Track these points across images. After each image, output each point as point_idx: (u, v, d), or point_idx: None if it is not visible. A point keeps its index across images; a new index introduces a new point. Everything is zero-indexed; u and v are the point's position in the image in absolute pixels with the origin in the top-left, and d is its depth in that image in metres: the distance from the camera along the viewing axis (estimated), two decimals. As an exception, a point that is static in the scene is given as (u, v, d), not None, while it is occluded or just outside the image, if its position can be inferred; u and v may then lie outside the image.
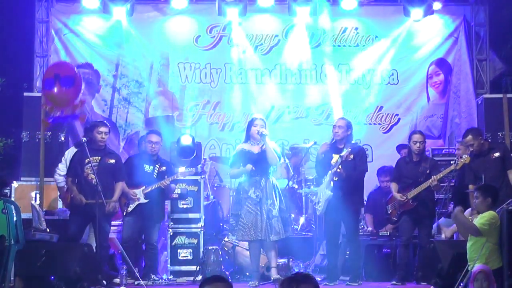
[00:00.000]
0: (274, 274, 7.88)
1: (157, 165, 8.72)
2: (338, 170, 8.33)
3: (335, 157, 8.53)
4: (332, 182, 8.37)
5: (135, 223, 8.75)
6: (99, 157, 8.34)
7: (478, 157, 8.60)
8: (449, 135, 11.29)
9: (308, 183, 9.94)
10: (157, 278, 8.69)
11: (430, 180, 8.47)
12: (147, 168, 8.79)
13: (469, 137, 8.66)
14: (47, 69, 9.37)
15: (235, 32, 11.31)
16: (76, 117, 9.11)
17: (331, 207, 8.47)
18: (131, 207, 8.68)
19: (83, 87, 9.05)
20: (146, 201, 8.67)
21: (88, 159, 8.23)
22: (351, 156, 8.44)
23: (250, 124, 8.11)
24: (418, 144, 8.70)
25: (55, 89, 8.07)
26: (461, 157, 8.51)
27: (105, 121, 9.19)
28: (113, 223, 9.83)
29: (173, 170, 9.07)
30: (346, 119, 8.79)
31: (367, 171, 8.73)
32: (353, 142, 8.72)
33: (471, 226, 6.66)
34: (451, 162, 8.69)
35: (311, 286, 4.03)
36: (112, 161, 8.36)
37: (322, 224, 9.28)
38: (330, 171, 8.44)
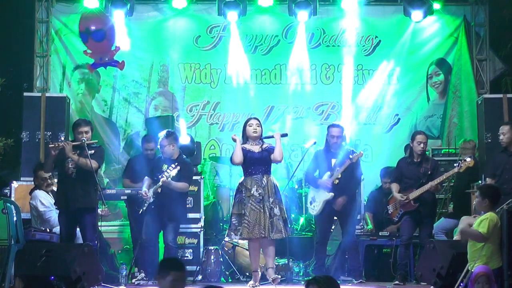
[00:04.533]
0: (271, 275, 7.86)
1: (172, 165, 8.61)
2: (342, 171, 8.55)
3: (334, 161, 8.66)
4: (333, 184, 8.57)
5: (152, 222, 8.68)
6: (78, 151, 8.28)
7: (504, 153, 8.52)
8: (448, 135, 11.29)
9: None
10: None
11: (430, 185, 8.45)
12: (165, 168, 8.71)
13: (508, 127, 8.53)
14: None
15: (234, 32, 11.31)
16: (115, 64, 9.65)
17: (328, 208, 8.61)
18: (145, 206, 8.66)
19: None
20: (152, 200, 8.62)
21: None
22: (348, 161, 8.62)
23: (245, 125, 8.14)
24: (422, 145, 8.68)
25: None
26: (465, 160, 8.47)
27: (86, 119, 9.07)
28: (112, 223, 9.86)
29: (190, 169, 8.93)
30: (342, 127, 8.84)
31: (362, 174, 8.97)
32: (346, 147, 8.80)
33: (477, 236, 6.62)
34: (455, 164, 8.66)
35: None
36: (91, 151, 8.26)
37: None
38: (328, 173, 8.60)
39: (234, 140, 8.10)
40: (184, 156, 8.87)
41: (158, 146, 8.88)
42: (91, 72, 11.20)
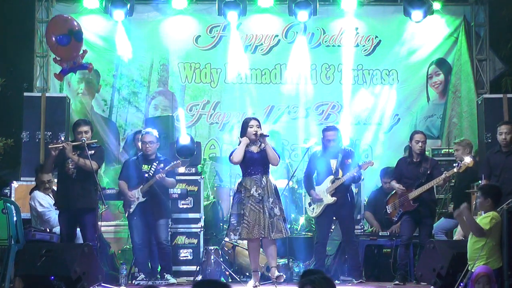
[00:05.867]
0: (274, 273, 7.85)
1: (154, 164, 8.65)
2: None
3: (334, 162, 8.65)
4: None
5: (142, 224, 8.68)
6: (78, 151, 8.28)
7: (501, 154, 8.49)
8: (447, 135, 11.29)
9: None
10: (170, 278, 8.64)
11: (436, 180, 8.44)
12: (146, 168, 8.72)
13: (510, 126, 8.49)
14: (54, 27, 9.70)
15: (234, 32, 11.31)
16: (85, 67, 9.50)
17: (328, 211, 8.66)
18: (132, 208, 8.66)
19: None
20: (143, 199, 8.63)
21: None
22: (349, 161, 8.69)
23: (245, 125, 8.08)
24: (420, 144, 8.69)
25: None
26: (465, 160, 8.46)
27: (86, 119, 9.12)
28: (111, 223, 9.85)
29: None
30: (337, 128, 8.86)
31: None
32: (344, 147, 8.84)
33: (477, 226, 6.62)
34: (454, 165, 8.65)
35: None
36: (91, 152, 8.26)
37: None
38: (331, 177, 8.64)
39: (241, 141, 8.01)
40: (159, 155, 8.88)
41: (141, 142, 8.83)
42: (60, 80, 10.65)
